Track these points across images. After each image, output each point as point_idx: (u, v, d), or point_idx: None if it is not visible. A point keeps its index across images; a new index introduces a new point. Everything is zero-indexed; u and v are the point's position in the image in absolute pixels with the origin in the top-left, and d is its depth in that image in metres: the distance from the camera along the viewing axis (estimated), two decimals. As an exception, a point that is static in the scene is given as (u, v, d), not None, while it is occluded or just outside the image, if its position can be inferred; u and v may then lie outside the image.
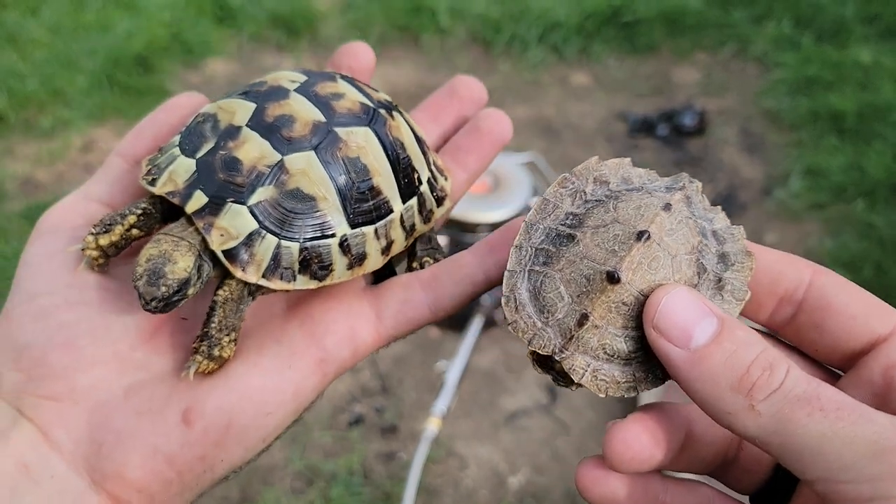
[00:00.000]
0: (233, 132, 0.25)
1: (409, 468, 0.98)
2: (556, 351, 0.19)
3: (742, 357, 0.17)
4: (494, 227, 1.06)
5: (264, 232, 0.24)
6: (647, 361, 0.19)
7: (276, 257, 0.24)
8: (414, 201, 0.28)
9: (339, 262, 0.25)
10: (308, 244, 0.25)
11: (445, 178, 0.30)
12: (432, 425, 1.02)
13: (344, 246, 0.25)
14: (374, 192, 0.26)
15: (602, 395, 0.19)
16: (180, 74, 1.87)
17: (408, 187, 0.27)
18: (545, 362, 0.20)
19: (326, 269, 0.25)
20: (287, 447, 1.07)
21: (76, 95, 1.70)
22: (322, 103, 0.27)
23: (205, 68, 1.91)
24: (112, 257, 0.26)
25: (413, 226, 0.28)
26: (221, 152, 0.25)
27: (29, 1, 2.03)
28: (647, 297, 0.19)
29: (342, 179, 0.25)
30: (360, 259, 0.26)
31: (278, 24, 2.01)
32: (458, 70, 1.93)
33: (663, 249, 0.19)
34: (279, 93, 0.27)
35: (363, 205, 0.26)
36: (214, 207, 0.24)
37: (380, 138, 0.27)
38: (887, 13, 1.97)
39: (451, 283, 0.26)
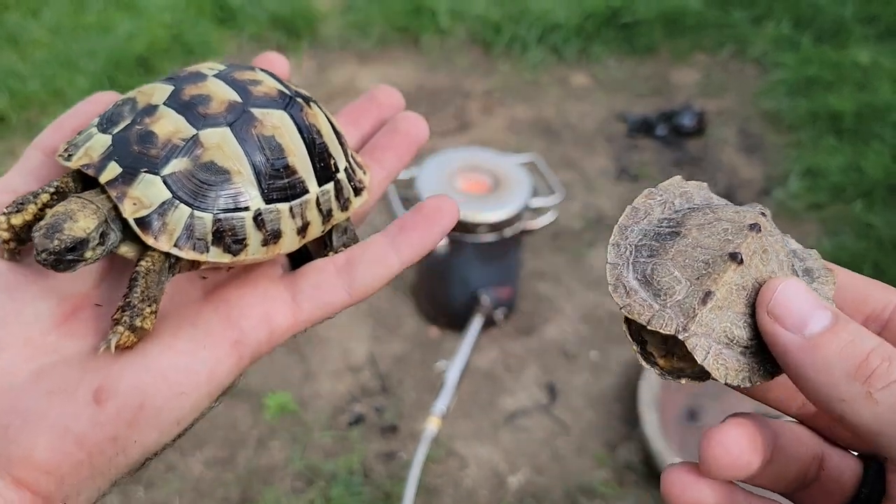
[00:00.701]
0: (150, 110, 0.26)
1: (409, 468, 0.99)
2: (680, 330, 0.18)
3: (860, 346, 0.17)
4: (494, 227, 1.06)
5: (177, 202, 0.24)
6: (760, 353, 0.19)
7: (188, 227, 0.25)
8: (330, 186, 0.28)
9: (254, 237, 0.26)
10: (221, 216, 0.25)
11: (364, 172, 0.30)
12: (432, 425, 1.02)
13: (258, 220, 0.26)
14: (289, 170, 0.27)
15: (721, 381, 0.19)
16: (181, 75, 1.87)
17: (324, 171, 0.28)
18: (649, 356, 0.20)
19: (240, 243, 0.25)
20: (287, 447, 1.07)
21: (77, 96, 1.69)
22: (239, 87, 0.27)
23: (205, 69, 1.92)
24: (25, 242, 0.26)
25: (330, 211, 0.28)
26: (137, 127, 0.25)
27: (30, 2, 2.03)
28: (761, 285, 0.19)
29: (256, 155, 0.26)
30: (276, 236, 0.26)
31: (278, 25, 2.01)
32: (457, 71, 1.94)
33: (770, 245, 0.20)
34: (198, 77, 0.27)
35: (277, 181, 0.26)
36: (128, 178, 0.24)
37: (296, 122, 0.27)
38: (886, 14, 1.97)
39: (364, 265, 0.26)
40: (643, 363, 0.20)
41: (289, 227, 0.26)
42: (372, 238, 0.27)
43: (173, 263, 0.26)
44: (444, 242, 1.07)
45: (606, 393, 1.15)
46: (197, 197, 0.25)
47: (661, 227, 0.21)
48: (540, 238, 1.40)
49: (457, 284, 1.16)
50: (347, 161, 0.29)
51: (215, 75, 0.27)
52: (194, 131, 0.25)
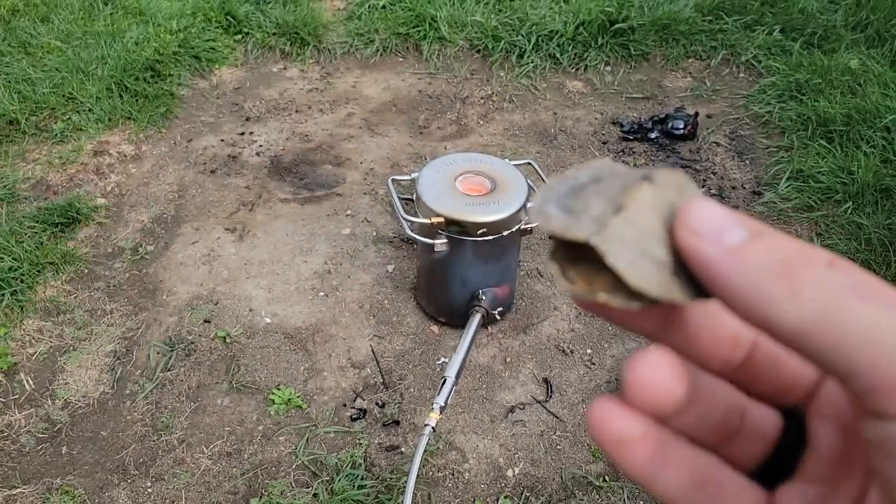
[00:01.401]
0: None
1: (410, 461, 1.01)
2: (592, 234, 0.17)
3: (784, 247, 0.16)
4: (493, 228, 1.09)
5: None
6: (681, 275, 0.18)
7: None
8: None
9: None
10: None
11: None
12: (432, 419, 1.05)
13: None
14: None
15: (634, 286, 0.17)
16: (188, 81, 1.92)
17: None
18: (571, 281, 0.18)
19: None
20: (293, 441, 1.10)
21: (87, 101, 1.74)
22: None
23: (212, 75, 1.96)
24: None
25: None
26: None
27: (41, 9, 2.08)
28: (674, 212, 0.18)
29: None
30: None
31: (284, 33, 2.05)
32: (457, 77, 1.98)
33: (689, 185, 0.20)
34: None
35: None
36: None
37: None
38: (875, 20, 2.01)
39: None
40: (563, 284, 0.18)
41: None
42: None
43: None
44: (444, 242, 1.10)
45: (600, 388, 1.18)
46: None
47: (584, 181, 0.20)
48: (536, 239, 1.44)
49: (457, 283, 1.19)
50: None
51: None
52: None
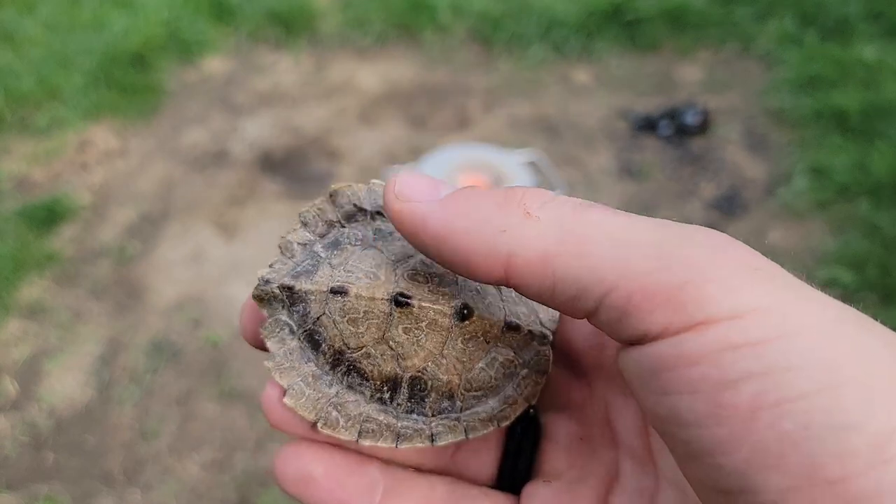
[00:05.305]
0: None
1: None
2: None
3: (494, 191, 0.16)
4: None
5: None
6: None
7: None
8: None
9: None
10: None
11: None
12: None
13: None
14: None
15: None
16: (177, 72, 1.86)
17: None
18: None
19: None
20: (285, 449, 1.06)
21: (72, 94, 1.68)
22: None
23: (202, 66, 1.90)
24: None
25: None
26: None
27: (25, -2, 2.01)
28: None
29: None
30: None
31: (276, 22, 1.99)
32: (457, 68, 1.92)
33: None
34: None
35: None
36: None
37: None
38: (891, 11, 1.95)
39: None
40: None
41: None
42: None
43: None
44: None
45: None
46: None
47: None
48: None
49: (457, 285, 1.14)
50: None
51: None
52: None
